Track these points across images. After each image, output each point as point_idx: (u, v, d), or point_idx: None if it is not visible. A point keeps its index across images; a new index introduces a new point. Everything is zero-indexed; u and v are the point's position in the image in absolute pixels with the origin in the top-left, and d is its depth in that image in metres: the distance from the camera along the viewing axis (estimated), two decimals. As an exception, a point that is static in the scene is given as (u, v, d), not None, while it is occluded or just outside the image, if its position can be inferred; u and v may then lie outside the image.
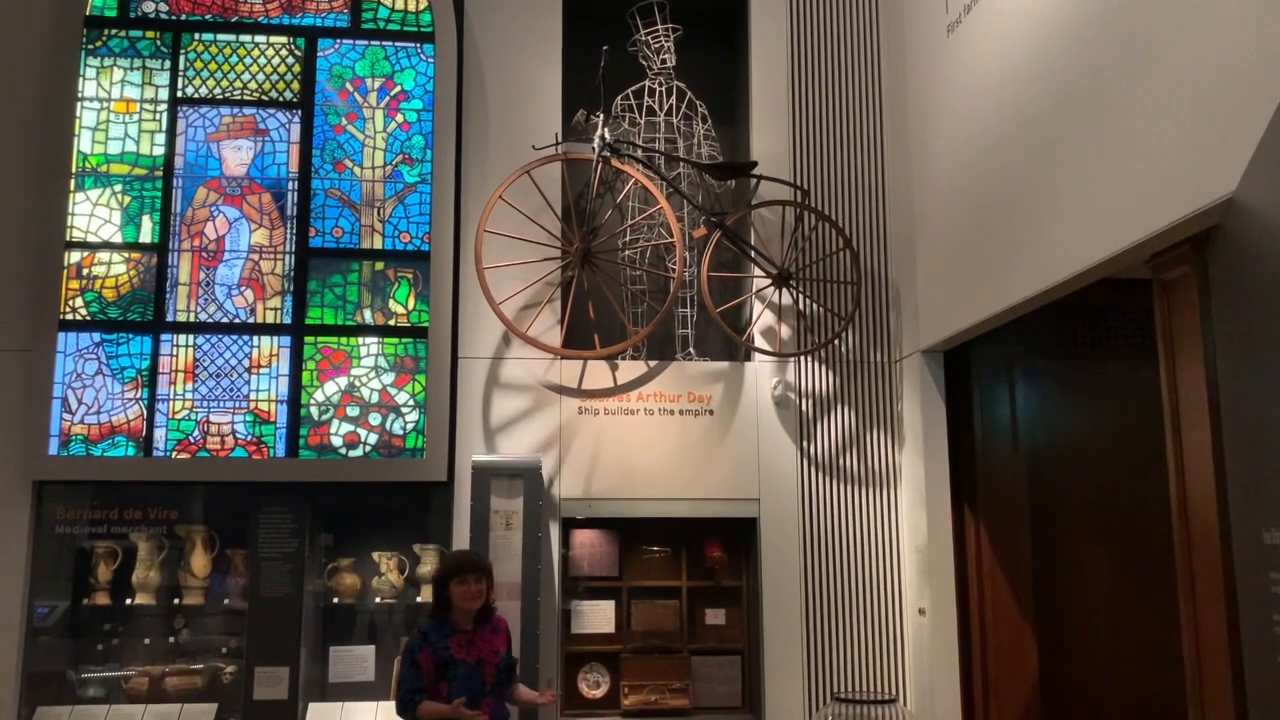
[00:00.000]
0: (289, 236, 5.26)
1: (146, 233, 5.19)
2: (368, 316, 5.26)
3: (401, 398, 5.19)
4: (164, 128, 5.28)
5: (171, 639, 5.04)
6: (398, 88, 5.46)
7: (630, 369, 5.30)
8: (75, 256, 5.13)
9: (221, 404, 5.10)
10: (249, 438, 5.08)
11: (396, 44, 5.48)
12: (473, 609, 3.97)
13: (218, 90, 5.35)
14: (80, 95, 5.22)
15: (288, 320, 5.19)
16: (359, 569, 5.17)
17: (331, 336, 5.21)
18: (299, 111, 5.36)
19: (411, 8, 5.52)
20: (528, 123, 5.40)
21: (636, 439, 5.22)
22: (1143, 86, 3.22)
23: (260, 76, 5.38)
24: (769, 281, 5.28)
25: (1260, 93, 2.64)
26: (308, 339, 5.19)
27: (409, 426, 5.17)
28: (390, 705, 4.86)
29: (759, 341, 5.34)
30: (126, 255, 5.17)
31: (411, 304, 5.29)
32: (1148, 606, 4.74)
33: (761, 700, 5.06)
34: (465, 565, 3.99)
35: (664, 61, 5.54)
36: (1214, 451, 2.91)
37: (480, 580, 3.97)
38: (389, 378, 5.22)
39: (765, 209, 5.40)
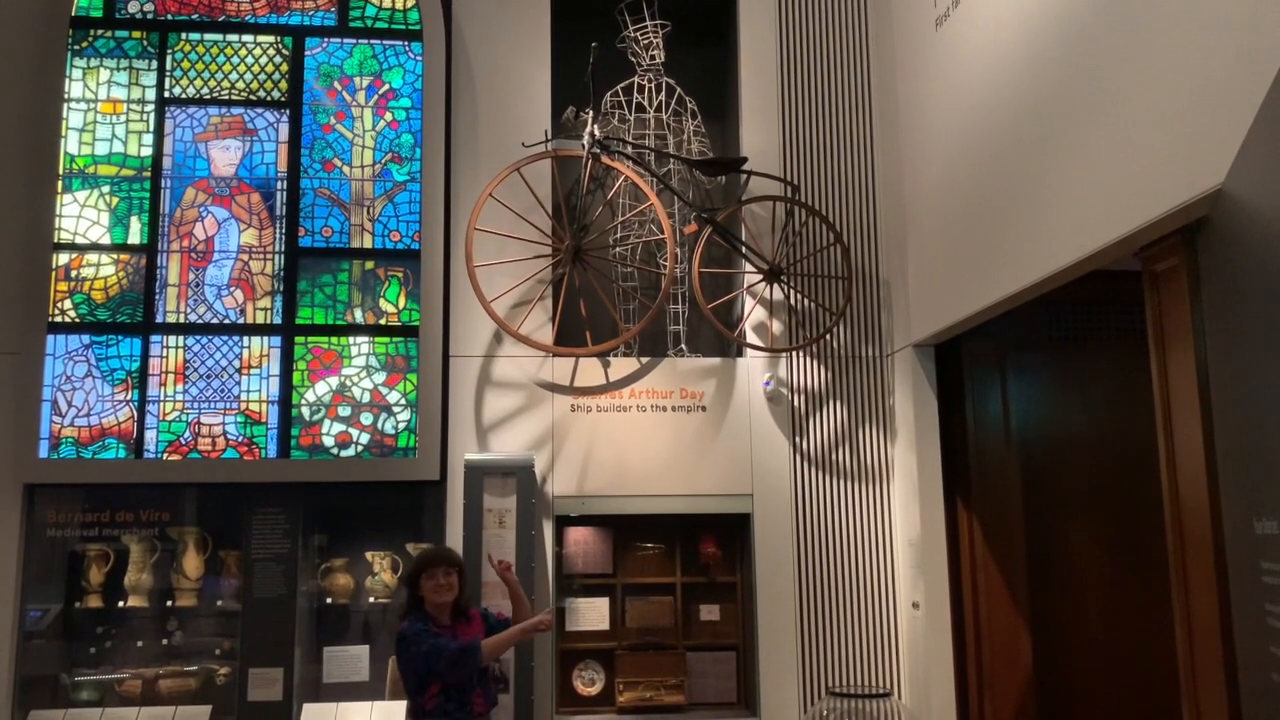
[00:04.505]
0: (278, 236, 5.25)
1: (135, 234, 5.17)
2: (358, 316, 5.25)
3: (393, 397, 5.18)
4: (151, 128, 5.26)
5: (165, 641, 5.01)
6: (386, 86, 5.44)
7: (622, 366, 5.29)
8: (64, 258, 5.11)
9: (212, 405, 5.08)
10: (240, 439, 5.07)
11: (384, 42, 5.47)
12: (444, 602, 4.00)
13: (205, 90, 5.33)
14: (67, 96, 5.20)
15: (278, 320, 5.18)
16: (352, 569, 5.16)
17: (322, 336, 5.20)
18: (287, 111, 5.34)
19: (399, 6, 5.51)
20: (517, 120, 5.39)
21: (629, 436, 5.22)
22: (1131, 79, 3.22)
23: (248, 76, 5.36)
24: (760, 277, 5.28)
25: (1248, 84, 2.65)
26: (298, 339, 5.18)
27: (401, 426, 5.16)
28: (385, 705, 4.86)
29: (751, 337, 5.34)
30: (115, 257, 5.15)
31: (402, 303, 5.28)
32: (1141, 597, 4.76)
33: (757, 695, 5.06)
34: (433, 559, 4.04)
35: (653, 58, 5.53)
36: (1205, 442, 2.92)
37: (449, 573, 4.01)
38: (380, 377, 5.20)
39: (756, 205, 5.40)
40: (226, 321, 5.15)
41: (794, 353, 5.36)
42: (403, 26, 5.49)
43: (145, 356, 5.07)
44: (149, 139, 5.25)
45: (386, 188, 5.36)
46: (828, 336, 5.38)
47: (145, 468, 4.97)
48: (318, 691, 5.00)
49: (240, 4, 5.40)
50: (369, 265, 5.30)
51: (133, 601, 4.97)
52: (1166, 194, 2.98)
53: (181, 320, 5.13)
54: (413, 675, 3.89)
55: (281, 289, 5.21)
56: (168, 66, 5.32)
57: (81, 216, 5.16)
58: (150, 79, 5.30)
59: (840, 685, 5.02)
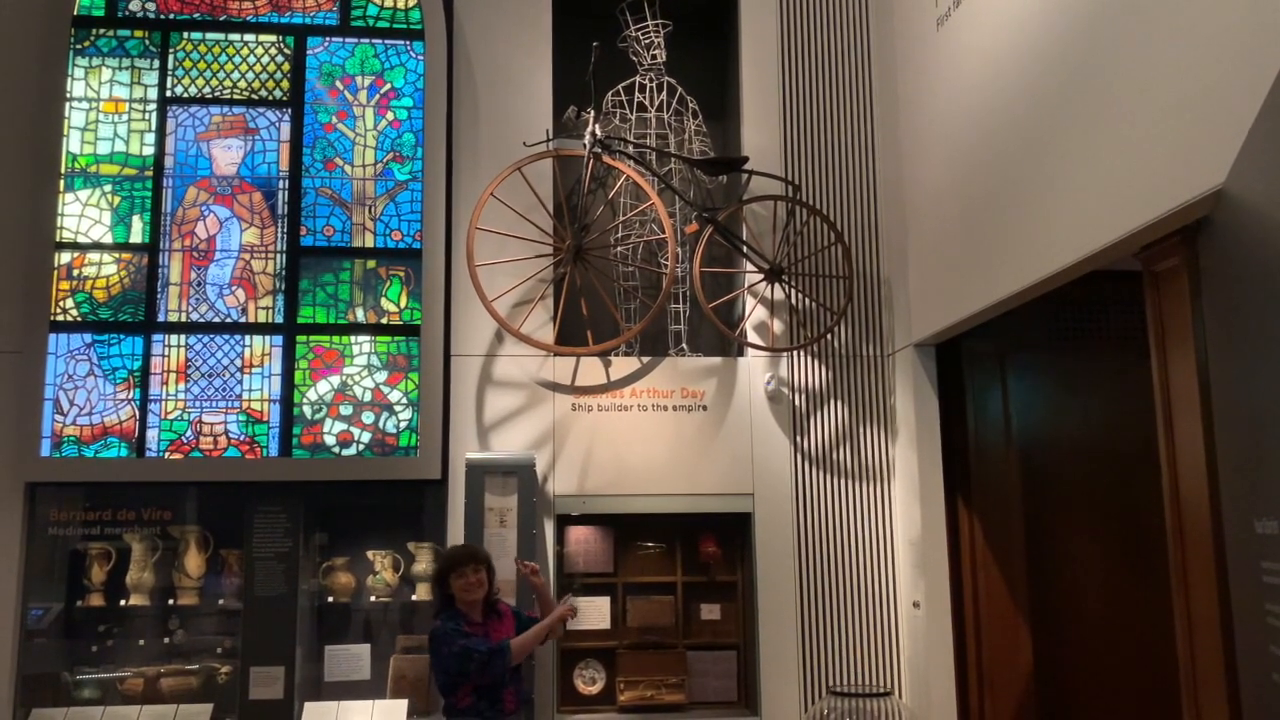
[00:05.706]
0: (280, 235, 5.25)
1: (137, 233, 5.18)
2: (360, 315, 5.25)
3: (394, 396, 5.19)
4: (153, 127, 5.26)
5: (166, 640, 5.02)
6: (388, 85, 5.44)
7: (623, 365, 5.29)
8: (65, 257, 5.11)
9: (214, 404, 5.09)
10: (242, 437, 5.07)
11: (386, 41, 5.47)
12: (475, 599, 4.04)
13: (207, 89, 5.34)
14: (69, 95, 5.20)
15: (279, 319, 5.18)
16: (353, 568, 5.16)
17: (324, 335, 5.20)
18: (289, 110, 5.35)
19: (401, 5, 5.51)
20: (519, 119, 5.39)
21: (630, 435, 5.22)
22: (1132, 78, 3.22)
23: (250, 75, 5.36)
24: (761, 276, 5.28)
25: (1249, 84, 2.65)
26: (300, 338, 5.18)
27: (402, 425, 5.16)
28: (386, 704, 4.87)
29: (752, 337, 5.34)
30: (117, 256, 5.15)
31: (404, 302, 5.28)
32: (1141, 596, 4.77)
33: (757, 695, 5.07)
34: (461, 558, 4.07)
35: (654, 57, 5.53)
36: (1205, 442, 2.92)
37: (478, 570, 4.05)
38: (382, 376, 5.21)
39: (757, 204, 5.40)
40: (228, 320, 5.16)
41: (795, 352, 5.36)
42: (404, 26, 5.49)
43: (147, 355, 5.08)
44: (151, 138, 5.25)
45: (388, 187, 5.37)
46: (828, 336, 5.38)
47: (147, 466, 4.98)
48: (319, 690, 5.01)
49: (242, 3, 5.41)
50: (370, 264, 5.31)
51: (134, 600, 4.97)
52: (1167, 194, 2.98)
53: (183, 319, 5.14)
54: (444, 674, 3.93)
55: (283, 288, 5.21)
56: (169, 66, 5.32)
57: (83, 215, 5.16)
58: (152, 78, 5.31)
59: (841, 684, 5.02)
